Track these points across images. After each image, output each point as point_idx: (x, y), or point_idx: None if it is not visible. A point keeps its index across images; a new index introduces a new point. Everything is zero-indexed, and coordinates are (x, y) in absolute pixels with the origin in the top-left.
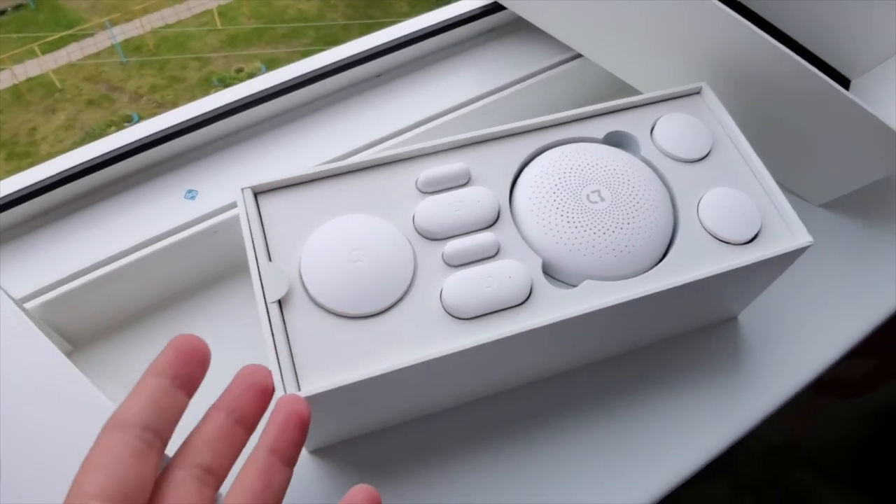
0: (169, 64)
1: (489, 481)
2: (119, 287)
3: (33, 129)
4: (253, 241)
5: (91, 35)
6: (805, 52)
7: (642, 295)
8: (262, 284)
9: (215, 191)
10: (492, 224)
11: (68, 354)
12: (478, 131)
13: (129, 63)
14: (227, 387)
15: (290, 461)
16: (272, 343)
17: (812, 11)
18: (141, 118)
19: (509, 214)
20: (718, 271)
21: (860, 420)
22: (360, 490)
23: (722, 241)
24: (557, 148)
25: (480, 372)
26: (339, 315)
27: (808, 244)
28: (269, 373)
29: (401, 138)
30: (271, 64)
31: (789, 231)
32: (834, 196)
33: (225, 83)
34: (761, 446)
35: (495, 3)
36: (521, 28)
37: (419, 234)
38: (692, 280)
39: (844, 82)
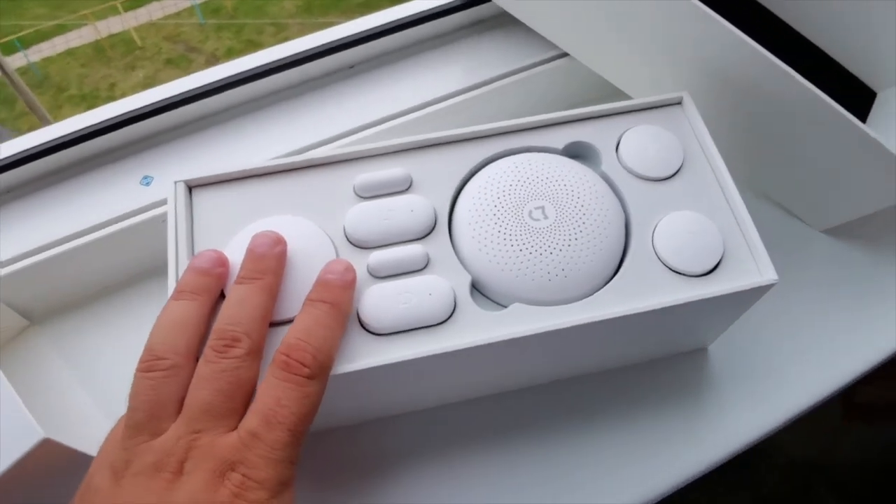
0: (246, 28)
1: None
2: (73, 267)
3: (113, 85)
4: (176, 236)
5: None
6: (828, 59)
7: (570, 325)
8: (176, 282)
9: (171, 178)
10: (425, 235)
11: (24, 329)
12: (425, 135)
13: (208, 25)
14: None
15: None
16: None
17: (838, 16)
18: None
19: (446, 227)
20: (661, 305)
21: (886, 445)
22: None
23: (675, 271)
24: (508, 158)
25: (398, 388)
26: None
27: (773, 282)
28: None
29: (370, 132)
30: None
31: (755, 265)
32: (838, 222)
33: None
34: (784, 460)
35: None
36: (506, 23)
37: (349, 241)
38: (628, 313)
39: (870, 95)
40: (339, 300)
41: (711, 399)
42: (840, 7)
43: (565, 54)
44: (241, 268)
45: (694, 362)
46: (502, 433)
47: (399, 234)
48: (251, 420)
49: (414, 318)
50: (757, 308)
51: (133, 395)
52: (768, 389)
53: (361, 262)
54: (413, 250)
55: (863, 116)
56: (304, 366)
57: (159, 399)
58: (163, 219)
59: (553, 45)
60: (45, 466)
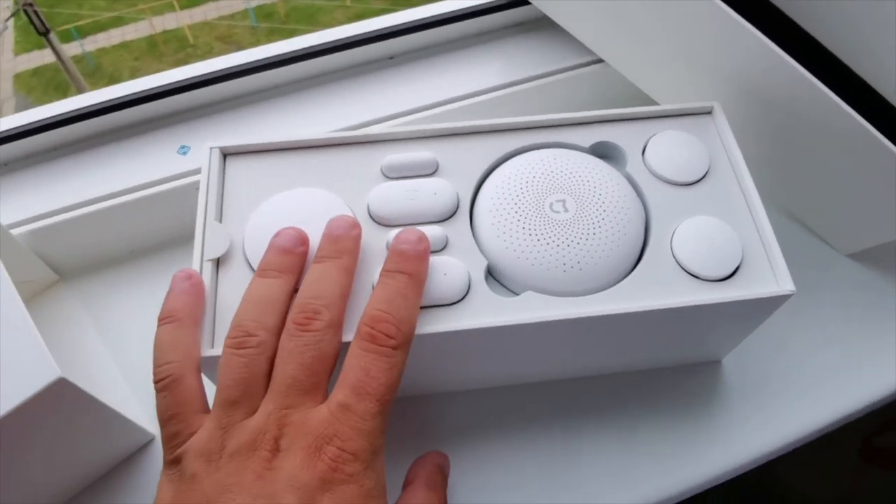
0: (296, 34)
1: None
2: (105, 227)
3: None
4: (207, 198)
5: None
6: (867, 87)
7: (580, 316)
8: (203, 241)
9: (207, 149)
10: (446, 218)
11: (54, 283)
12: (455, 123)
13: (260, 28)
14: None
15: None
16: None
17: (879, 46)
18: None
19: (468, 212)
20: (673, 305)
21: None
22: None
23: (690, 273)
24: (534, 151)
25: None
26: None
27: (790, 293)
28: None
29: (403, 120)
30: None
31: (772, 275)
32: (863, 247)
33: None
34: (800, 502)
35: None
36: (545, 26)
37: (372, 218)
38: (639, 310)
39: None
40: (415, 270)
41: (721, 411)
42: (882, 37)
43: (601, 60)
44: (319, 248)
45: (707, 374)
46: (507, 426)
47: (421, 214)
48: (341, 393)
49: (427, 295)
50: (773, 324)
51: (225, 373)
52: (779, 408)
53: (382, 240)
54: (433, 231)
55: None
56: (390, 337)
57: (253, 375)
58: (195, 187)
59: (589, 51)
60: (58, 405)
